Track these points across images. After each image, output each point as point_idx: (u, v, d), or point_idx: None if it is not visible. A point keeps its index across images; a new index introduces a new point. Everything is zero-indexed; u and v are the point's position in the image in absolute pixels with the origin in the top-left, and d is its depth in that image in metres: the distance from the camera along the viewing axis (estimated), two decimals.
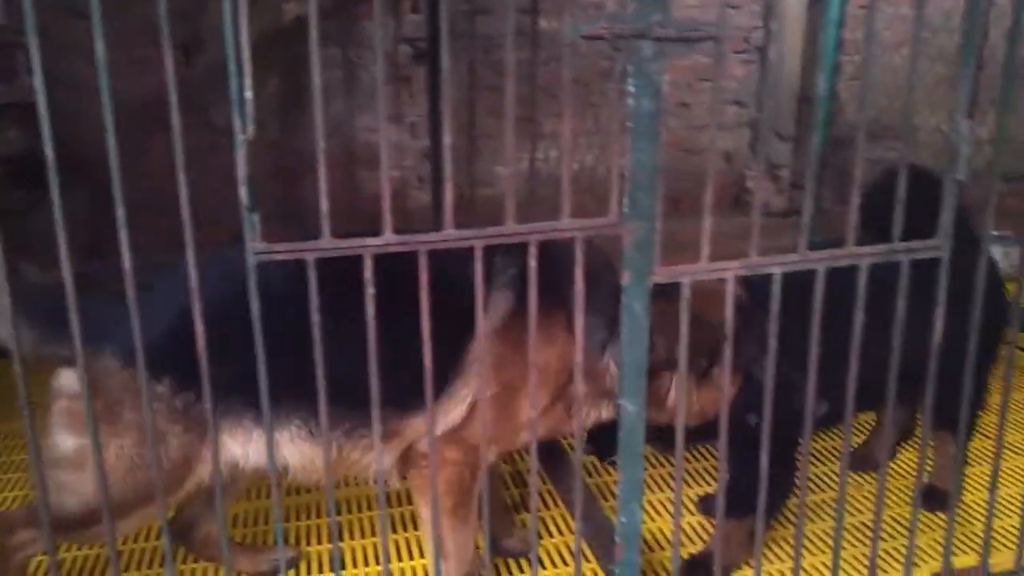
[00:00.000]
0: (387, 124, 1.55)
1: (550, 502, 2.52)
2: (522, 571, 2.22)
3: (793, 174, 4.36)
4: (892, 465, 2.72)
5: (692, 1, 3.92)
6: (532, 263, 1.57)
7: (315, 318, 1.48)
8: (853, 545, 2.30)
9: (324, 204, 1.43)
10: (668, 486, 2.59)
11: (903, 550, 2.16)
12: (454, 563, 2.00)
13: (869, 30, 1.62)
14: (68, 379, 1.81)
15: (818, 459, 2.79)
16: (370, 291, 1.50)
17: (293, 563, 2.26)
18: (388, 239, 1.49)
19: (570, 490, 2.41)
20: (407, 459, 1.99)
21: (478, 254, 1.57)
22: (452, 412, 1.92)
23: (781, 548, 2.32)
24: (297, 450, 1.88)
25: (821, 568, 2.22)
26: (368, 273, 1.49)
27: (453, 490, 1.95)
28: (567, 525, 2.41)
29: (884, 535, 2.33)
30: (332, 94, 3.76)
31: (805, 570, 2.20)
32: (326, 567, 2.24)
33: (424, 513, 2.02)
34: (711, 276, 1.67)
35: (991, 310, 1.86)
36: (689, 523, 2.43)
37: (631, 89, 1.47)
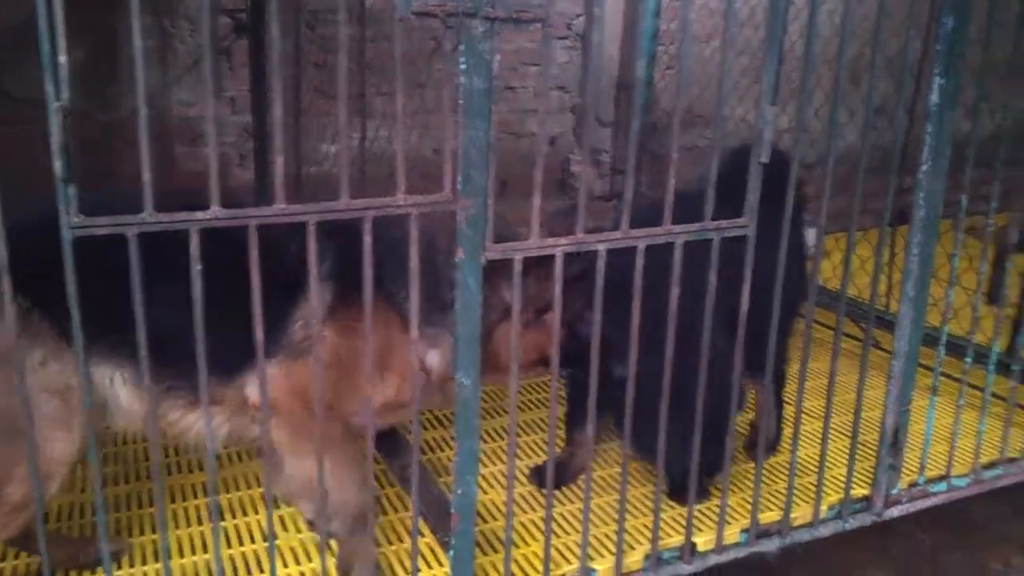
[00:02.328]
0: (211, 98, 1.50)
1: (384, 481, 2.52)
2: None
3: (613, 159, 4.53)
4: None
5: None
6: (367, 239, 1.56)
7: (137, 294, 1.43)
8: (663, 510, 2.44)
9: (146, 176, 1.37)
10: (501, 459, 2.65)
11: (711, 512, 2.32)
12: (338, 505, 1.96)
13: (683, 21, 1.72)
14: None
15: None
16: (196, 267, 1.45)
17: (117, 556, 2.13)
18: (216, 213, 1.45)
19: (405, 467, 2.42)
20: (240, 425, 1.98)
21: (311, 229, 1.55)
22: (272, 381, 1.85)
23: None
24: (121, 393, 1.84)
25: (643, 530, 2.34)
26: (194, 249, 1.45)
27: (301, 434, 1.90)
28: (403, 503, 2.42)
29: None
30: (145, 65, 3.54)
31: (628, 532, 2.32)
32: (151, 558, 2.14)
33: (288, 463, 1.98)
34: (541, 252, 1.72)
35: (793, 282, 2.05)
36: (520, 493, 2.50)
37: (462, 67, 1.50)
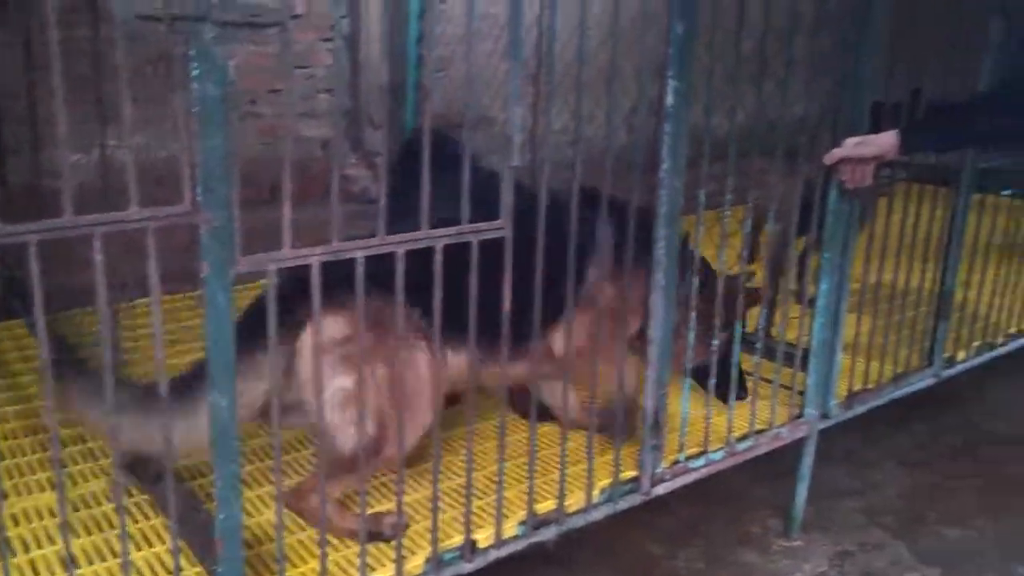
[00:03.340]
0: None
1: (150, 513, 2.36)
2: None
3: (389, 161, 4.49)
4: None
5: None
6: (98, 258, 1.46)
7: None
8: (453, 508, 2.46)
9: None
10: (269, 480, 2.55)
11: (489, 508, 2.35)
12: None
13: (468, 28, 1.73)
14: None
15: None
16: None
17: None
18: None
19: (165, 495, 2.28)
20: None
21: (33, 251, 1.43)
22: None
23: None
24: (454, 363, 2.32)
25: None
26: None
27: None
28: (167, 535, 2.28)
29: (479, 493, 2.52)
30: None
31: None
32: None
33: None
34: (296, 263, 1.68)
35: None
36: (290, 514, 2.41)
37: (194, 74, 1.42)
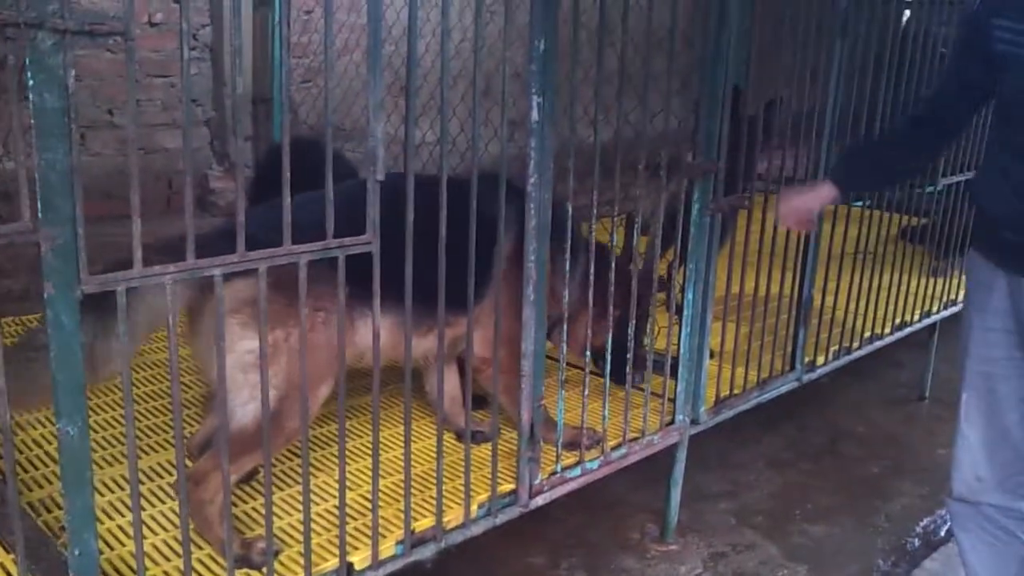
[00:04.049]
0: None
1: None
2: None
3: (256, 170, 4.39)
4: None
5: None
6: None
7: None
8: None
9: None
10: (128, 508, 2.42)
11: (365, 528, 2.31)
12: None
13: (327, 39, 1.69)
14: None
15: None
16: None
17: None
18: None
19: (11, 531, 2.14)
20: None
21: None
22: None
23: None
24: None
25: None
26: None
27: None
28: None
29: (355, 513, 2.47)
30: None
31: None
32: None
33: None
34: (147, 281, 1.60)
35: None
36: (153, 544, 2.30)
37: (31, 84, 1.34)
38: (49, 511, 2.38)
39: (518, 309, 2.39)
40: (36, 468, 2.60)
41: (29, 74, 1.34)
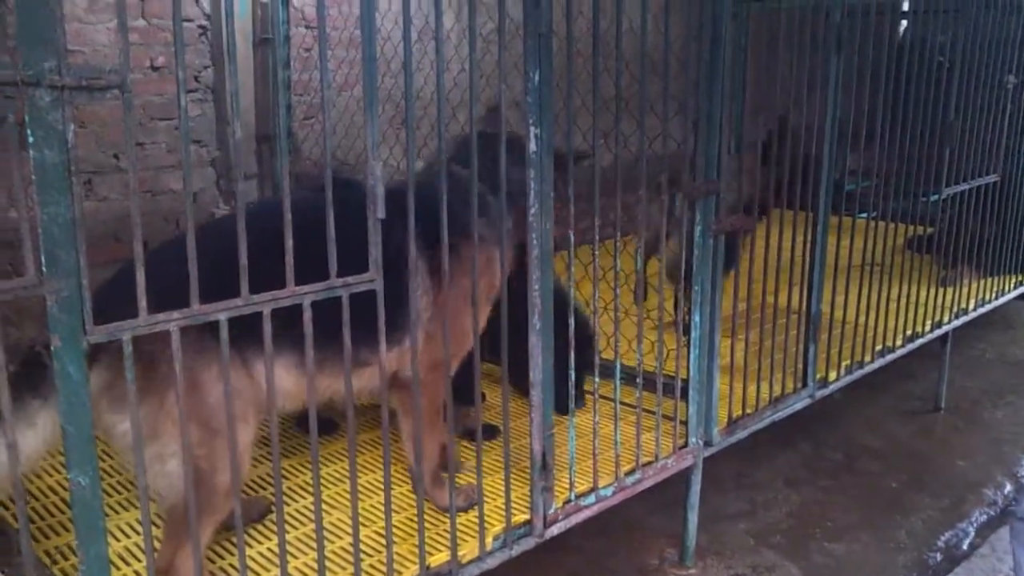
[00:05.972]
0: None
1: None
2: None
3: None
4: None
5: (136, 38, 3.77)
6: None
7: None
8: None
9: None
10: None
11: (381, 565, 2.30)
12: None
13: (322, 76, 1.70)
14: None
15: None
16: None
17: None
18: None
19: (12, 564, 2.14)
20: None
21: None
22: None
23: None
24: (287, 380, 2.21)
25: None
26: None
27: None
28: None
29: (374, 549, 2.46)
30: None
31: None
32: None
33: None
34: (153, 330, 1.61)
35: None
36: None
37: (31, 140, 1.36)
38: (66, 558, 2.38)
39: (459, 328, 2.35)
40: (52, 515, 2.60)
41: (29, 131, 1.35)
